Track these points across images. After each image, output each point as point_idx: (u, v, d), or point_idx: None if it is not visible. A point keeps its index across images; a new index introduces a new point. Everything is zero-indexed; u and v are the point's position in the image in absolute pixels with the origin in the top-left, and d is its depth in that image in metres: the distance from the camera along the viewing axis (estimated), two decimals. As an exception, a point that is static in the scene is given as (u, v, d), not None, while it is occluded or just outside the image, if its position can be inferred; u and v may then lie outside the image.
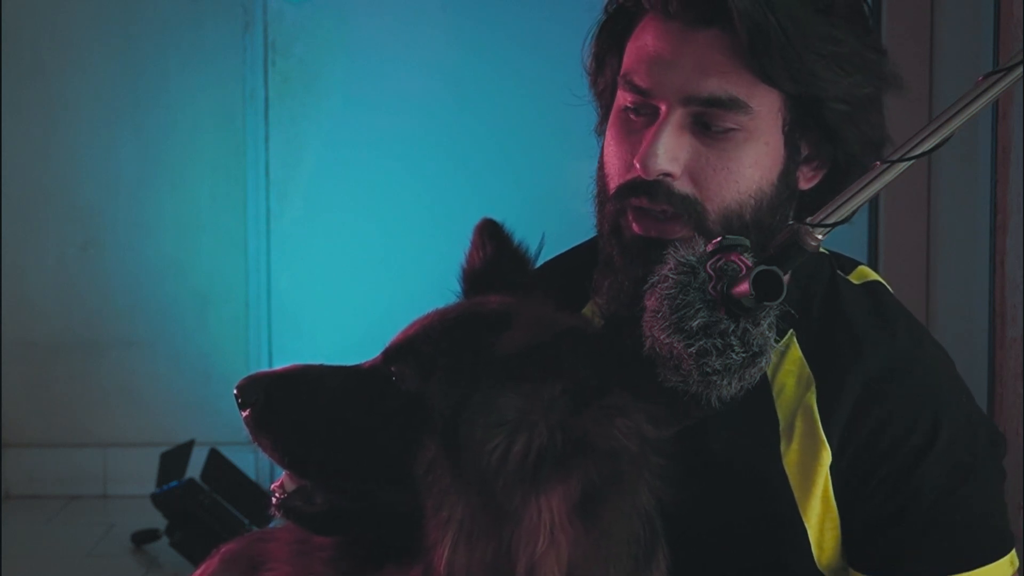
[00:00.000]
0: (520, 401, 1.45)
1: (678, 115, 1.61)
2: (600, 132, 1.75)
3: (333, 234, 4.67)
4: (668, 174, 1.61)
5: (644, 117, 1.64)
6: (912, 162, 1.51)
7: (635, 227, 1.63)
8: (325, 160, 4.67)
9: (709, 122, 1.61)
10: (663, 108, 1.62)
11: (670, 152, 1.60)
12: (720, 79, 1.60)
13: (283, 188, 4.69)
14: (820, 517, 1.66)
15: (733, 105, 1.60)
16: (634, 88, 1.64)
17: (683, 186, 1.61)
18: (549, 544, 1.43)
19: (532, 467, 1.43)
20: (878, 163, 1.52)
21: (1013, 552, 1.67)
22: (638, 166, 1.61)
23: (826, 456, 1.65)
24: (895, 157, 1.51)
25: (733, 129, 1.61)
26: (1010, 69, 1.51)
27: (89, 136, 4.67)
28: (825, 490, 1.65)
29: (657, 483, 1.48)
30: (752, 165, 1.62)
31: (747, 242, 1.51)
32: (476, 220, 1.68)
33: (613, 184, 1.66)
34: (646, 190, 1.61)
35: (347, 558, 1.54)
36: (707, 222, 1.61)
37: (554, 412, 1.44)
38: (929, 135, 1.51)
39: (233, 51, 4.64)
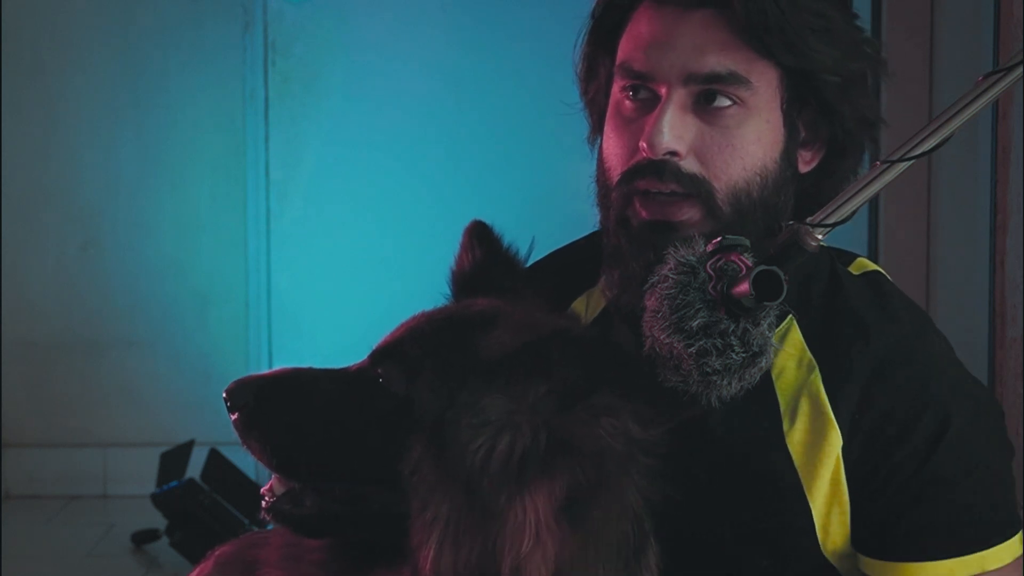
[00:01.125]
0: (505, 402, 1.45)
1: (679, 95, 1.62)
2: (593, 141, 1.76)
3: (333, 234, 4.67)
4: (674, 152, 1.62)
5: (642, 104, 1.65)
6: (912, 162, 1.51)
7: (643, 212, 1.64)
8: (325, 160, 4.67)
9: (710, 100, 1.62)
10: (663, 91, 1.63)
11: (675, 130, 1.61)
12: (719, 55, 1.61)
13: (283, 188, 4.69)
14: (827, 500, 1.66)
15: (733, 80, 1.62)
16: (632, 74, 1.65)
17: (690, 166, 1.62)
18: (535, 544, 1.43)
19: (516, 467, 1.43)
20: (878, 163, 1.53)
21: (1020, 535, 1.67)
22: (644, 146, 1.62)
23: (835, 438, 1.65)
24: (895, 157, 1.51)
25: (735, 105, 1.62)
26: (1010, 69, 1.51)
27: (89, 136, 4.67)
28: (835, 473, 1.65)
29: (645, 483, 1.48)
30: (755, 142, 1.63)
31: (747, 242, 1.52)
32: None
33: (616, 173, 1.66)
34: (654, 170, 1.62)
35: (337, 560, 1.54)
36: (716, 201, 1.62)
37: (539, 412, 1.44)
38: (929, 135, 1.51)
39: (233, 51, 4.65)
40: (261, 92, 4.64)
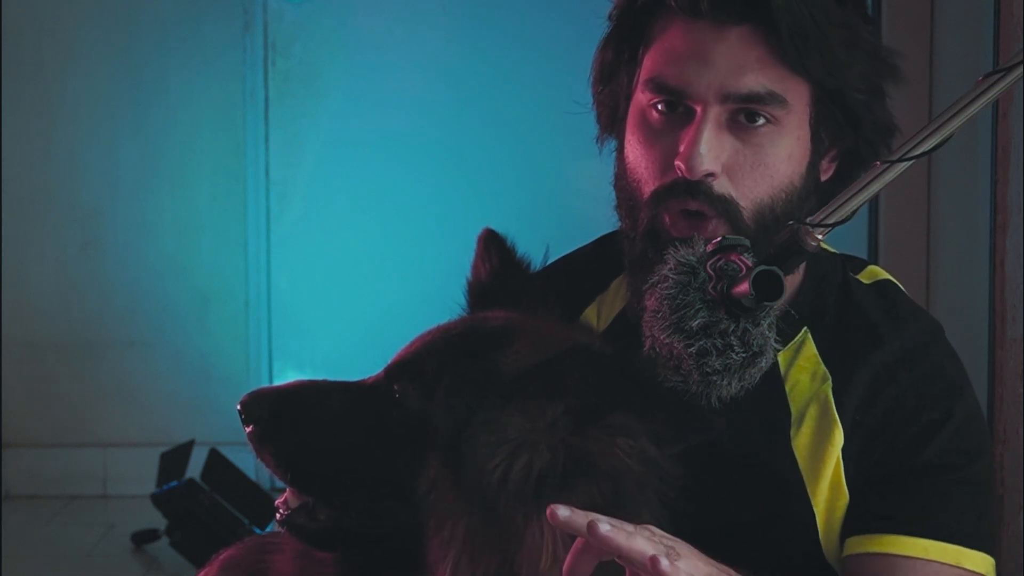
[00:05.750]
0: (522, 420, 1.44)
1: (715, 113, 1.61)
2: (602, 141, 1.75)
3: (333, 234, 4.67)
4: (711, 174, 1.61)
5: (673, 118, 1.64)
6: (912, 162, 1.51)
7: (672, 231, 1.63)
8: (325, 160, 4.67)
9: (746, 119, 1.62)
10: (699, 108, 1.62)
11: (713, 151, 1.61)
12: (757, 75, 1.61)
13: (283, 188, 4.69)
14: (829, 502, 1.66)
15: (771, 100, 1.61)
16: (665, 89, 1.63)
17: (722, 187, 1.62)
18: (552, 563, 1.42)
19: (534, 486, 1.43)
20: (878, 163, 1.53)
21: (994, 563, 1.67)
22: (682, 167, 1.61)
23: (838, 437, 1.65)
24: (895, 157, 1.52)
25: (769, 124, 1.62)
26: (1010, 69, 1.51)
27: (89, 136, 4.67)
28: (835, 474, 1.66)
29: (660, 503, 1.47)
30: (786, 159, 1.63)
31: (747, 242, 1.52)
32: (476, 220, 1.67)
33: (647, 188, 1.65)
34: (688, 190, 1.61)
35: (350, 575, 1.54)
36: (742, 219, 1.62)
37: (556, 431, 1.44)
38: (929, 135, 1.51)
39: (233, 51, 4.64)
40: (261, 92, 4.64)
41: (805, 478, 1.66)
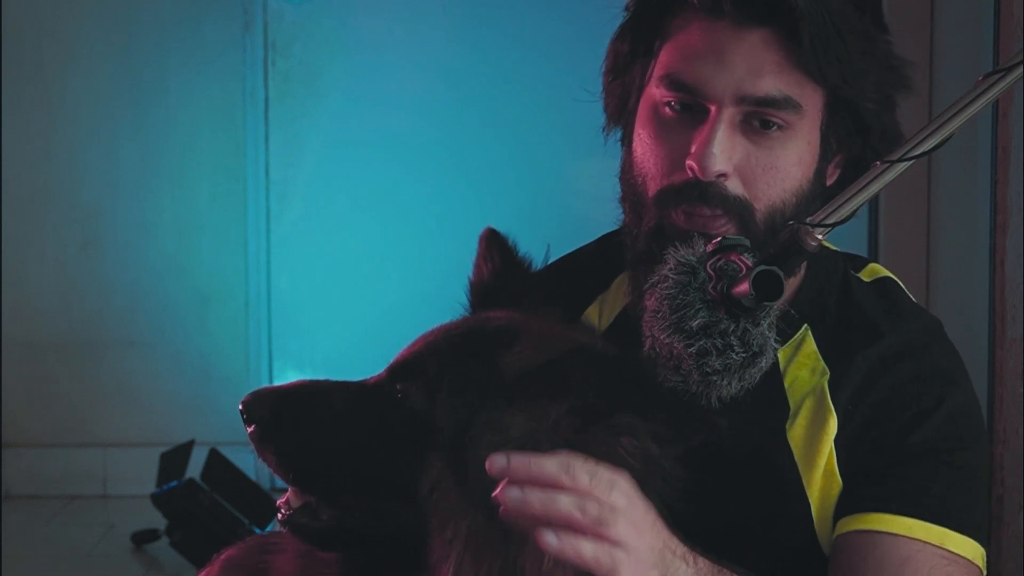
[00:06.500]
0: (525, 420, 1.44)
1: (729, 114, 1.61)
2: (608, 132, 1.75)
3: (333, 234, 4.67)
4: (723, 174, 1.61)
5: (686, 116, 1.63)
6: (912, 162, 1.52)
7: (682, 226, 1.63)
8: (325, 160, 4.67)
9: (760, 122, 1.61)
10: (713, 108, 1.61)
11: (725, 152, 1.60)
12: (774, 78, 1.60)
13: (283, 188, 4.69)
14: (823, 491, 1.66)
15: (786, 104, 1.61)
16: (681, 87, 1.63)
17: (735, 187, 1.62)
18: (555, 564, 1.42)
19: None
20: (878, 163, 1.53)
21: (984, 553, 1.67)
22: (695, 166, 1.60)
23: (832, 425, 1.66)
24: (895, 157, 1.52)
25: (782, 128, 1.62)
26: (1010, 69, 1.51)
27: (89, 136, 4.67)
28: (829, 463, 1.66)
29: (662, 503, 1.47)
30: (796, 163, 1.63)
31: (747, 242, 1.52)
32: (477, 220, 1.67)
33: (654, 185, 1.65)
34: (700, 193, 1.61)
35: (352, 574, 1.54)
36: (754, 220, 1.62)
37: (559, 431, 1.44)
38: (929, 135, 1.52)
39: (233, 51, 4.64)
40: (261, 92, 4.64)
41: (800, 468, 1.66)
